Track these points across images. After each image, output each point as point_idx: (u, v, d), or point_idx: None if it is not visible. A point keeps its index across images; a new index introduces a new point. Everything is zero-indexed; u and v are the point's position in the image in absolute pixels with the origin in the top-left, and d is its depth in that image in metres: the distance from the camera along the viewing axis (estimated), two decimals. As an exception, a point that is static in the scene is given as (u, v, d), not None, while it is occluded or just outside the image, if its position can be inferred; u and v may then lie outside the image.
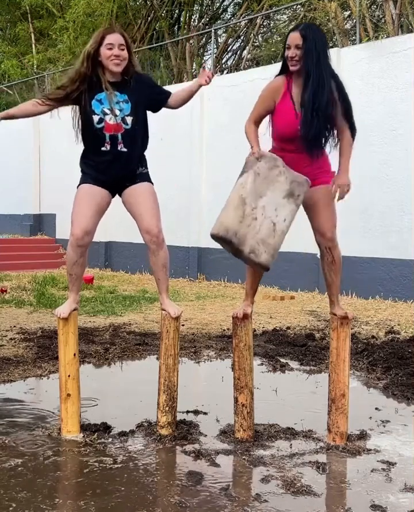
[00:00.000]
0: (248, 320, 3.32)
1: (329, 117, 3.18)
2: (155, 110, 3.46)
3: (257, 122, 3.29)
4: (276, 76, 3.29)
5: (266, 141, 3.30)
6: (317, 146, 3.20)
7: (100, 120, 3.29)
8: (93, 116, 3.29)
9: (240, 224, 3.03)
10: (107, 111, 3.27)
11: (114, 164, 3.33)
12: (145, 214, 3.33)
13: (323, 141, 3.23)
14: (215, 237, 3.07)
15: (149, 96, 3.38)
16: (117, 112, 3.28)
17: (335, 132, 3.26)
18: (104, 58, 3.23)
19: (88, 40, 3.35)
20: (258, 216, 3.05)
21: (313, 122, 3.12)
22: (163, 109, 3.50)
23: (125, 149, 3.32)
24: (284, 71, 3.25)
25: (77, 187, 3.40)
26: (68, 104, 3.34)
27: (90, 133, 3.33)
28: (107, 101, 3.27)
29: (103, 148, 3.31)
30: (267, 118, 3.32)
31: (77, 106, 3.35)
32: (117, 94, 3.28)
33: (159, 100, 3.42)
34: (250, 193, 3.06)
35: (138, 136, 3.37)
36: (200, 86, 3.35)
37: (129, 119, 3.31)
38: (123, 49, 3.23)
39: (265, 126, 3.32)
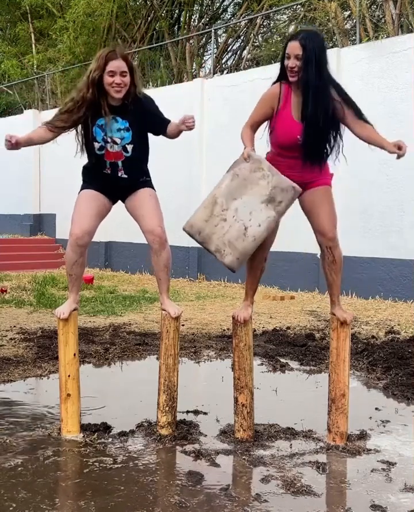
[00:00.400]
0: (248, 320, 3.32)
1: (332, 128, 3.17)
2: (155, 135, 3.46)
3: (253, 127, 3.27)
4: (274, 82, 3.25)
5: (261, 145, 3.29)
6: (319, 160, 3.19)
7: (101, 147, 3.30)
8: (94, 143, 3.30)
9: (206, 223, 3.05)
10: (108, 140, 3.28)
11: (115, 185, 3.39)
12: (147, 215, 3.35)
13: (325, 156, 3.22)
14: (184, 231, 3.14)
15: (149, 123, 3.36)
16: (118, 141, 3.29)
17: (338, 142, 3.24)
18: (106, 84, 3.20)
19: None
20: (228, 217, 3.03)
21: (316, 137, 3.11)
22: None
23: (125, 176, 3.35)
24: (282, 77, 3.22)
25: (79, 192, 3.43)
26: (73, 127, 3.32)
27: (92, 156, 3.35)
28: (108, 128, 3.26)
29: (104, 171, 3.35)
30: (265, 124, 3.31)
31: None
32: (118, 119, 3.28)
33: (158, 128, 3.39)
34: (224, 193, 3.04)
35: (138, 162, 3.39)
36: (181, 130, 3.31)
37: (129, 147, 3.32)
38: (125, 75, 3.20)
39: (261, 131, 3.31)
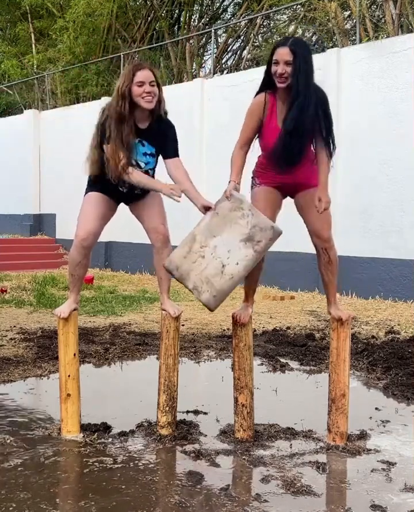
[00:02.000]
0: (248, 321, 3.32)
1: (307, 138, 3.12)
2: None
3: (245, 147, 3.22)
4: (258, 93, 3.19)
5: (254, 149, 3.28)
6: (288, 164, 3.14)
7: None
8: None
9: (184, 260, 3.08)
10: (133, 162, 3.25)
11: (124, 194, 3.39)
12: (151, 213, 3.38)
13: (296, 160, 3.15)
14: (164, 267, 3.19)
15: (164, 149, 3.33)
16: (142, 164, 3.29)
17: (312, 148, 3.20)
18: (136, 95, 3.14)
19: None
20: (206, 254, 3.06)
21: (289, 142, 3.07)
22: None
23: (139, 192, 3.37)
24: (266, 86, 3.16)
25: (85, 195, 3.43)
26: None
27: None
28: (134, 152, 3.23)
29: (120, 188, 3.33)
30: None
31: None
32: (144, 143, 3.26)
33: (164, 155, 3.33)
34: (203, 231, 3.08)
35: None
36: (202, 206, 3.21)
37: (151, 172, 3.35)
38: (153, 85, 3.16)
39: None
